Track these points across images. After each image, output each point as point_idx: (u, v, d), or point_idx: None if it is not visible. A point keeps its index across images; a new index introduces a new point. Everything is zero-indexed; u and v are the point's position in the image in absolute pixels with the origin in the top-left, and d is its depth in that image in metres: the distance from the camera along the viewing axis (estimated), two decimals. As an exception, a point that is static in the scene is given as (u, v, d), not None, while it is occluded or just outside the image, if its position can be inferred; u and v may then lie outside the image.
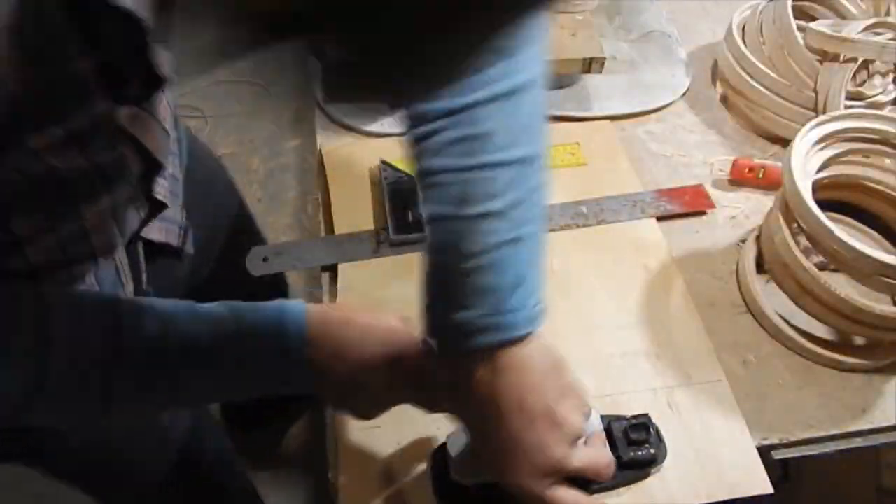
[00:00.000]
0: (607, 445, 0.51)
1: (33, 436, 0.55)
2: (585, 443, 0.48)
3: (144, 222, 0.53)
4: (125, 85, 0.42)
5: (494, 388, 0.44)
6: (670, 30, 0.97)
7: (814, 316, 0.63)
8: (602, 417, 0.52)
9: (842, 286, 0.58)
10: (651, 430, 0.54)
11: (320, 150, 0.79)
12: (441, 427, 0.57)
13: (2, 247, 0.40)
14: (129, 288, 0.53)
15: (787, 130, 0.80)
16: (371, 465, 0.55)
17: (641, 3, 1.00)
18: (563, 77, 0.86)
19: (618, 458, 0.51)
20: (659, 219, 0.74)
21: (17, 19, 0.31)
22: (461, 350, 0.44)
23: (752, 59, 0.81)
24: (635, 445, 0.53)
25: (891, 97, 0.78)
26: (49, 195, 0.40)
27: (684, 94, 0.89)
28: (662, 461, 0.54)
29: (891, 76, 0.79)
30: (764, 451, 0.58)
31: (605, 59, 0.78)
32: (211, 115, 1.93)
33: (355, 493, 0.54)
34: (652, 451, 0.53)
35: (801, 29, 0.78)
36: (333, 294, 0.67)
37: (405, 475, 0.55)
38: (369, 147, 0.79)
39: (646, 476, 0.54)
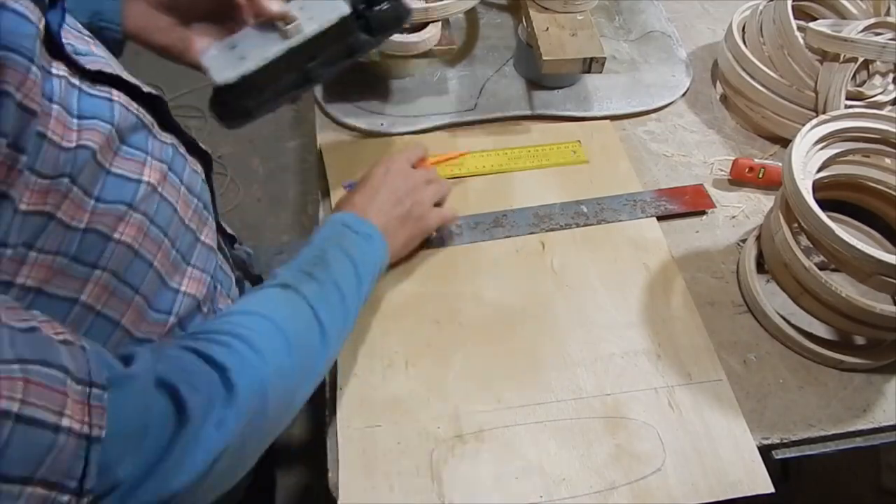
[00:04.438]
0: None
1: None
2: None
3: None
4: None
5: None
6: (670, 30, 0.97)
7: (814, 315, 0.63)
8: None
9: (842, 286, 0.58)
10: None
11: (320, 150, 0.79)
12: (442, 426, 0.57)
13: None
14: None
15: (787, 130, 0.80)
16: (371, 465, 0.55)
17: (641, 3, 1.01)
18: (564, 77, 0.86)
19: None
20: (659, 218, 0.74)
21: None
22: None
23: (752, 59, 0.81)
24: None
25: (891, 97, 0.78)
26: None
27: (684, 94, 0.89)
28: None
29: (891, 76, 0.79)
30: (764, 451, 0.58)
31: (605, 59, 0.78)
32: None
33: (355, 493, 0.54)
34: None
35: (801, 29, 0.78)
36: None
37: (405, 475, 0.55)
38: (369, 147, 0.80)
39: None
